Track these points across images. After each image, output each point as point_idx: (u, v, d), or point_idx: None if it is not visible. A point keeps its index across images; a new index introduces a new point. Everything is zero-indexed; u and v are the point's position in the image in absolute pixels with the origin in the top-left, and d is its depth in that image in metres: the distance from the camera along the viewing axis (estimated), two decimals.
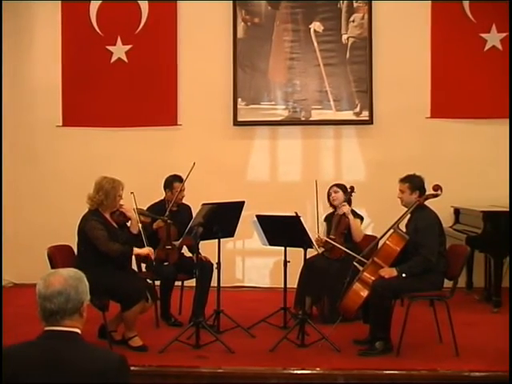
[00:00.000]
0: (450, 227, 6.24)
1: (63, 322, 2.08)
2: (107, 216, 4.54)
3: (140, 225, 4.60)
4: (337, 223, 5.27)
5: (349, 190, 5.33)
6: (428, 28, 6.58)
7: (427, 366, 4.07)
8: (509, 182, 6.08)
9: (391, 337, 4.36)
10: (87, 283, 2.16)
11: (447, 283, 4.48)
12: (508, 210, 5.57)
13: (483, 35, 6.53)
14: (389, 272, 4.36)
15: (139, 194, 4.84)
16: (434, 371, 4.02)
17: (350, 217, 5.19)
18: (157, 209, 5.20)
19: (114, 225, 4.56)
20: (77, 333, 2.10)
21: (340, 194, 5.32)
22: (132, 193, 4.72)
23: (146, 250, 4.58)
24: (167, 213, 5.12)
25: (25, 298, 5.30)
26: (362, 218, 5.37)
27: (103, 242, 4.38)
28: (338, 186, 5.38)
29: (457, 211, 6.42)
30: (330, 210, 5.45)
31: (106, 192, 4.47)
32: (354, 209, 5.35)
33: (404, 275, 4.33)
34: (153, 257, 4.70)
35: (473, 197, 6.32)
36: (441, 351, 4.38)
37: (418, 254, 4.37)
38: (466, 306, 5.61)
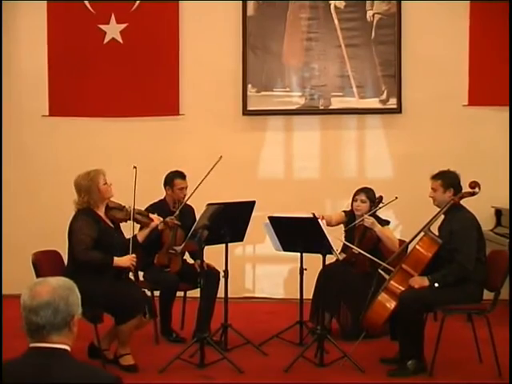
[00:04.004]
0: (491, 230, 6.21)
1: (50, 338, 2.07)
2: (101, 213, 4.56)
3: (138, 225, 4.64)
4: (361, 237, 5.18)
5: (376, 200, 5.18)
6: (466, 2, 6.51)
7: None
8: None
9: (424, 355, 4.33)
10: (79, 294, 2.15)
11: (488, 295, 4.46)
12: None
13: None
14: (419, 282, 4.35)
15: (137, 193, 4.81)
16: None
17: (377, 228, 5.07)
18: (156, 209, 5.19)
19: (110, 224, 4.58)
20: (66, 350, 2.09)
21: (367, 205, 5.21)
22: (135, 167, 4.70)
23: (128, 261, 4.47)
24: (177, 212, 5.11)
25: (8, 310, 5.33)
26: (388, 223, 5.29)
27: (82, 249, 4.36)
28: (367, 194, 5.24)
29: (498, 212, 6.40)
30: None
31: (86, 189, 4.48)
32: (376, 214, 5.25)
33: (437, 285, 4.32)
34: (132, 268, 4.54)
35: None
36: (481, 372, 4.38)
37: (452, 260, 4.35)
38: (509, 321, 5.55)
